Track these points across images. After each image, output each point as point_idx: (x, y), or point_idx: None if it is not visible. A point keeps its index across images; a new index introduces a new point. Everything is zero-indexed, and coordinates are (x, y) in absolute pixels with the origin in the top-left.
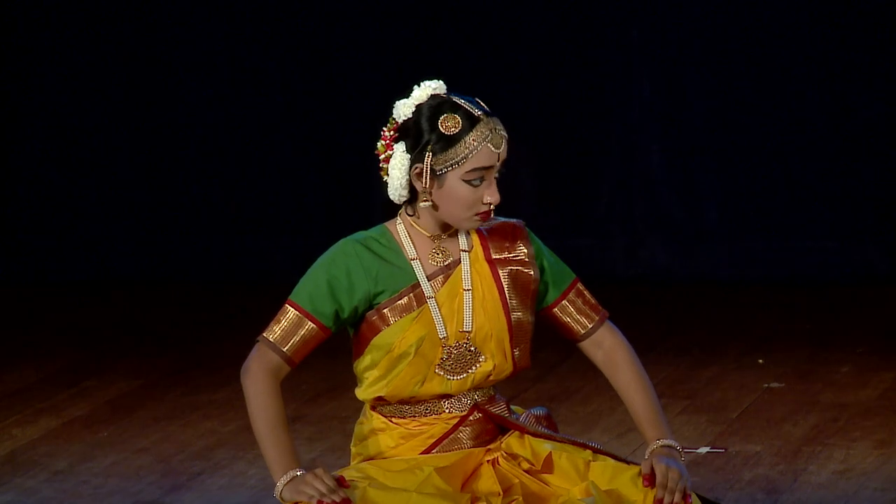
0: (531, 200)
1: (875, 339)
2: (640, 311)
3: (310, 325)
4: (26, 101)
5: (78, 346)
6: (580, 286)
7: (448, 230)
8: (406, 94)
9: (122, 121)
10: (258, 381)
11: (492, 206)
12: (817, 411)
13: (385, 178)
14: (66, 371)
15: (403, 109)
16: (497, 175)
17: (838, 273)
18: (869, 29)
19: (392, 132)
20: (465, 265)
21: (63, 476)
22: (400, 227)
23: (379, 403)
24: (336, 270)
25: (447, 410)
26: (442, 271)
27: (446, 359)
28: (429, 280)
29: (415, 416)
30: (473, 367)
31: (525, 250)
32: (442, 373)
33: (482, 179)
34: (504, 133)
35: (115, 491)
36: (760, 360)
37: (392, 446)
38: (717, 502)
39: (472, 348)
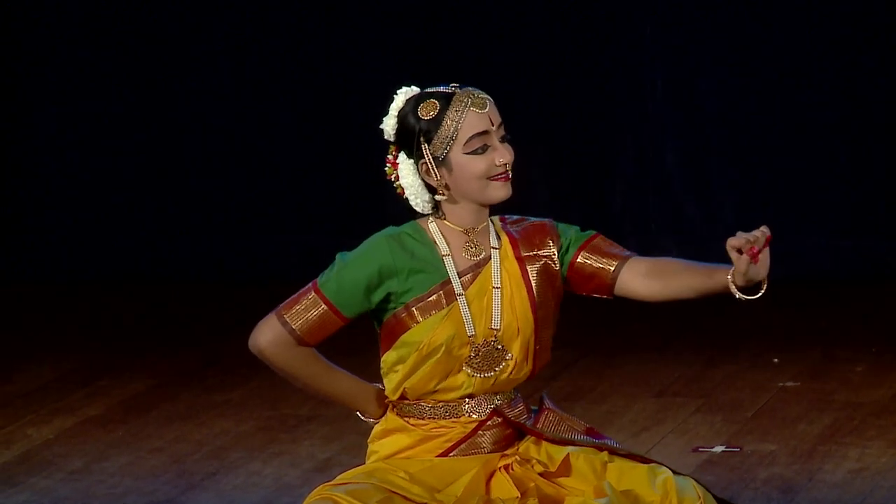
0: (544, 199)
1: (890, 338)
2: (654, 309)
3: (332, 315)
4: (38, 102)
5: (92, 346)
6: (602, 237)
7: (480, 223)
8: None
9: (134, 120)
10: (279, 355)
11: (507, 166)
12: (832, 410)
13: (405, 196)
14: (81, 371)
15: (389, 122)
16: (504, 137)
17: (853, 272)
18: (883, 24)
19: (393, 150)
20: (495, 262)
21: (78, 476)
22: (432, 225)
23: (398, 403)
24: (368, 268)
25: (466, 414)
26: (472, 269)
27: (474, 356)
28: (459, 277)
29: (434, 418)
30: (500, 365)
31: (554, 249)
32: (469, 370)
33: (485, 146)
34: (485, 95)
35: (130, 490)
36: (775, 360)
37: (409, 446)
38: (730, 502)
39: (500, 346)
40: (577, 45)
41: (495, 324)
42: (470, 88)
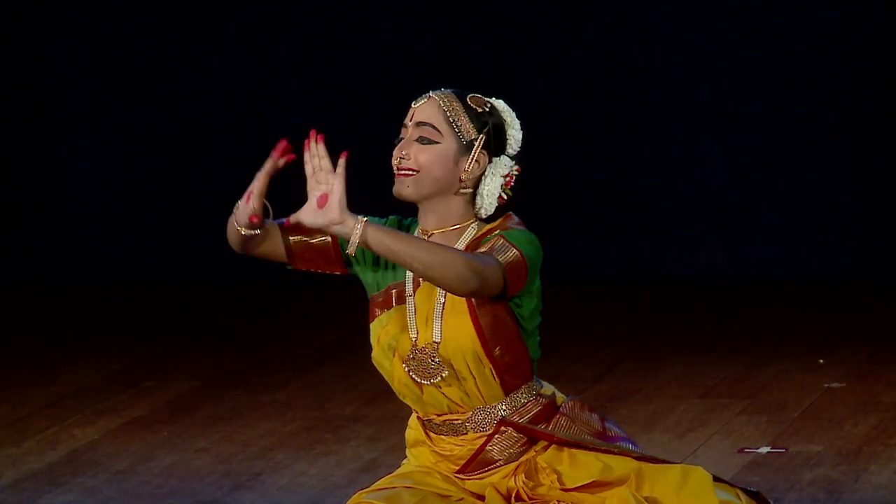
0: (587, 202)
1: None
2: (699, 310)
3: (328, 239)
4: (64, 105)
5: (138, 347)
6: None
7: (440, 227)
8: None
9: (163, 122)
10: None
11: (398, 164)
12: (878, 411)
13: None
14: (126, 371)
15: None
16: (421, 139)
17: None
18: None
19: None
20: None
21: (123, 476)
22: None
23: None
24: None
25: (471, 430)
26: None
27: (412, 358)
28: (414, 278)
29: (443, 434)
30: (435, 378)
31: (489, 242)
32: (408, 370)
33: (401, 138)
34: (433, 94)
35: (176, 491)
36: (821, 360)
37: (433, 462)
38: (745, 487)
39: (436, 360)
40: (622, 47)
41: (435, 336)
42: (445, 91)
